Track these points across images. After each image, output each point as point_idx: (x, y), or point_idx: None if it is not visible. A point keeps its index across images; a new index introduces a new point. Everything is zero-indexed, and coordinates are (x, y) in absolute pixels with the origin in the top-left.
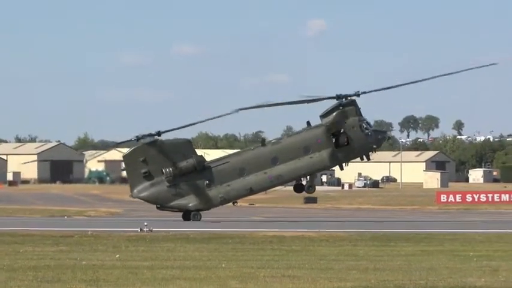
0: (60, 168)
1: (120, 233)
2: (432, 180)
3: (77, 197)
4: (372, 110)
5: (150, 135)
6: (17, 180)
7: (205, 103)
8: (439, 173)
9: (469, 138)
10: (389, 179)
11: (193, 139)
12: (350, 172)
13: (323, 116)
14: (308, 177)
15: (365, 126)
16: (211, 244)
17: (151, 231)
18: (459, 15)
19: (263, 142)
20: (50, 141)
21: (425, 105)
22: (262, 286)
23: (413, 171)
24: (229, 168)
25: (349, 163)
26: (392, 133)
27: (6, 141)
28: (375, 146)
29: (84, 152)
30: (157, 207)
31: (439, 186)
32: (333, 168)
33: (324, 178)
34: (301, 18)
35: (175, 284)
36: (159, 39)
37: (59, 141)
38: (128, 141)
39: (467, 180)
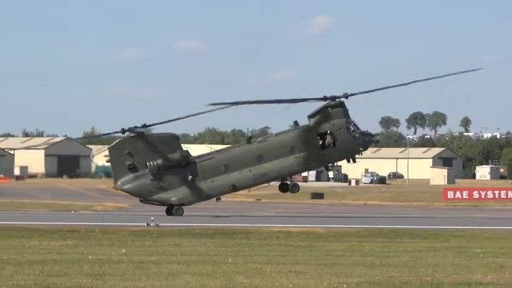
0: (67, 162)
1: (126, 228)
2: (439, 176)
3: (83, 191)
4: (379, 107)
5: (136, 128)
6: (24, 174)
7: (210, 99)
8: (446, 170)
9: (476, 135)
10: (396, 175)
11: (200, 134)
12: (357, 168)
13: (311, 117)
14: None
15: (352, 128)
16: (217, 239)
17: (157, 226)
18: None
19: (249, 140)
20: (57, 136)
21: (433, 102)
22: (268, 281)
23: (420, 167)
24: (214, 164)
25: (356, 159)
26: (399, 129)
27: (13, 136)
28: (361, 149)
29: (90, 147)
30: (141, 200)
31: (446, 183)
32: (340, 164)
33: (331, 174)
34: (306, 15)
35: (181, 278)
36: (164, 35)
37: (65, 135)
38: (113, 133)
39: (474, 176)
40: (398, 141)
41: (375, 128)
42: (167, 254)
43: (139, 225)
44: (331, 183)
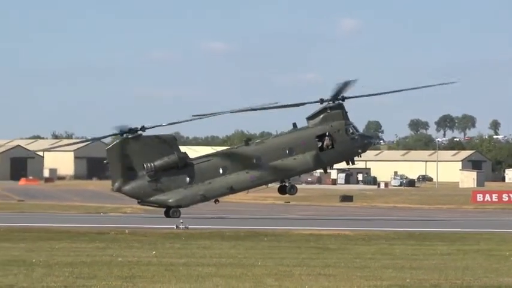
0: (96, 165)
1: (156, 230)
2: (468, 179)
3: (113, 193)
4: (408, 110)
5: (134, 129)
6: (53, 176)
7: (238, 100)
8: (475, 173)
9: (506, 138)
10: (425, 178)
11: (228, 137)
12: (386, 171)
13: (309, 118)
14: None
15: (351, 130)
16: (247, 242)
17: (187, 228)
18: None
19: (247, 142)
20: (86, 139)
21: (462, 105)
22: (298, 284)
23: (449, 170)
24: (212, 166)
25: (385, 161)
26: (429, 132)
27: (43, 138)
28: (360, 151)
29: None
30: (138, 202)
31: (475, 186)
32: (369, 167)
33: (360, 177)
34: (334, 17)
35: (211, 281)
36: (192, 36)
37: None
38: (111, 135)
39: (503, 179)
40: (427, 144)
41: (404, 131)
42: (197, 256)
43: (168, 227)
44: (361, 186)
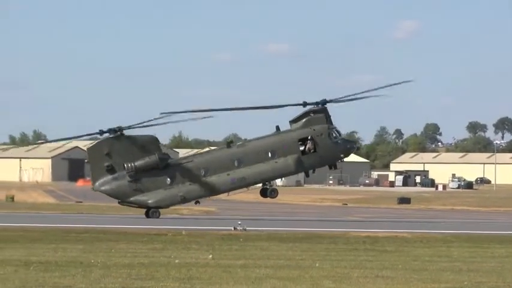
0: None
1: (213, 232)
2: None
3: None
4: (466, 112)
5: (114, 129)
6: None
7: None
8: None
9: None
10: (483, 181)
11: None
12: (444, 173)
13: (292, 122)
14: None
15: (334, 134)
16: (304, 244)
17: (245, 230)
18: None
19: (229, 144)
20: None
21: None
22: (355, 286)
23: (507, 172)
24: (193, 167)
25: (443, 164)
26: (487, 135)
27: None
28: (342, 155)
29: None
30: (119, 202)
31: None
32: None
33: (418, 179)
34: (391, 19)
35: (268, 283)
36: (247, 38)
37: None
38: (91, 134)
39: None
40: (486, 146)
41: (462, 133)
42: (254, 258)
43: (226, 229)
44: (418, 188)
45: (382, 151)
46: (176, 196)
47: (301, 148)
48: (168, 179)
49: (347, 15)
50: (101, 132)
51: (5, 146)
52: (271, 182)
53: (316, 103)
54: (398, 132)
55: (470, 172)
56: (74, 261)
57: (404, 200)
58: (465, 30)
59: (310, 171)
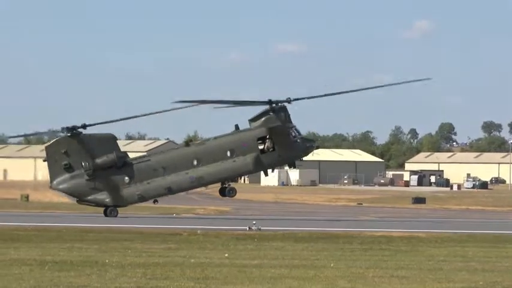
0: None
1: (228, 231)
2: None
3: (185, 194)
4: (481, 112)
5: (75, 127)
6: None
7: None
8: None
9: None
10: (498, 181)
11: None
12: (459, 173)
13: (252, 120)
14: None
15: (293, 133)
16: (319, 243)
17: (259, 230)
18: None
19: (187, 142)
20: (159, 139)
21: None
22: (370, 286)
23: None
24: (151, 166)
25: (458, 164)
26: (502, 134)
27: (117, 139)
28: (301, 154)
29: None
30: (77, 201)
31: None
32: (442, 169)
33: (433, 179)
34: (405, 19)
35: (283, 282)
36: (264, 38)
37: (167, 139)
38: (51, 132)
39: None
40: (500, 146)
41: (477, 133)
42: (269, 257)
43: (241, 228)
44: (433, 188)
45: (397, 151)
46: (134, 195)
47: (260, 147)
48: (126, 178)
49: (360, 14)
50: (63, 130)
51: (20, 146)
52: (230, 181)
53: (282, 101)
54: (413, 132)
55: (485, 172)
56: (89, 260)
57: (419, 200)
58: (480, 30)
59: (269, 170)
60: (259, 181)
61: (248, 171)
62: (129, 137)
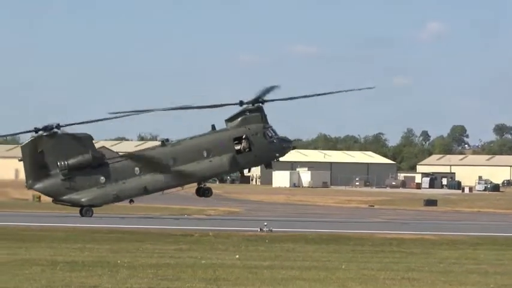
0: None
1: (239, 233)
2: None
3: (196, 196)
4: (493, 114)
5: (50, 127)
6: None
7: (324, 104)
8: None
9: None
10: (510, 183)
11: (312, 140)
12: (470, 175)
13: (228, 121)
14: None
15: (269, 134)
16: (330, 245)
17: (271, 231)
18: None
19: (163, 142)
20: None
21: None
22: None
23: None
24: (126, 166)
25: (470, 166)
26: None
27: (128, 140)
28: (277, 155)
29: None
30: (52, 201)
31: None
32: (454, 171)
33: (444, 181)
34: (416, 21)
35: (294, 284)
36: (278, 39)
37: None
38: (27, 131)
39: None
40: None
41: (489, 135)
42: (280, 259)
43: (252, 230)
44: (445, 191)
45: (409, 153)
46: (109, 195)
47: (237, 147)
48: (102, 178)
49: (372, 16)
50: (36, 130)
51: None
52: (206, 181)
53: (253, 101)
54: (425, 134)
55: (497, 174)
56: (101, 261)
57: (430, 202)
58: (493, 32)
59: (245, 171)
60: (271, 182)
61: (224, 171)
62: (142, 138)
